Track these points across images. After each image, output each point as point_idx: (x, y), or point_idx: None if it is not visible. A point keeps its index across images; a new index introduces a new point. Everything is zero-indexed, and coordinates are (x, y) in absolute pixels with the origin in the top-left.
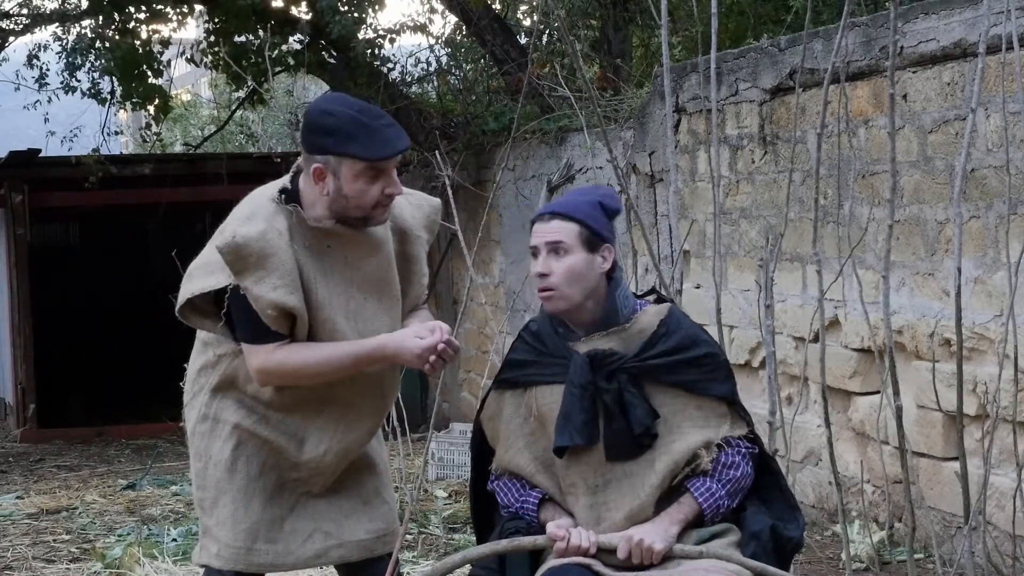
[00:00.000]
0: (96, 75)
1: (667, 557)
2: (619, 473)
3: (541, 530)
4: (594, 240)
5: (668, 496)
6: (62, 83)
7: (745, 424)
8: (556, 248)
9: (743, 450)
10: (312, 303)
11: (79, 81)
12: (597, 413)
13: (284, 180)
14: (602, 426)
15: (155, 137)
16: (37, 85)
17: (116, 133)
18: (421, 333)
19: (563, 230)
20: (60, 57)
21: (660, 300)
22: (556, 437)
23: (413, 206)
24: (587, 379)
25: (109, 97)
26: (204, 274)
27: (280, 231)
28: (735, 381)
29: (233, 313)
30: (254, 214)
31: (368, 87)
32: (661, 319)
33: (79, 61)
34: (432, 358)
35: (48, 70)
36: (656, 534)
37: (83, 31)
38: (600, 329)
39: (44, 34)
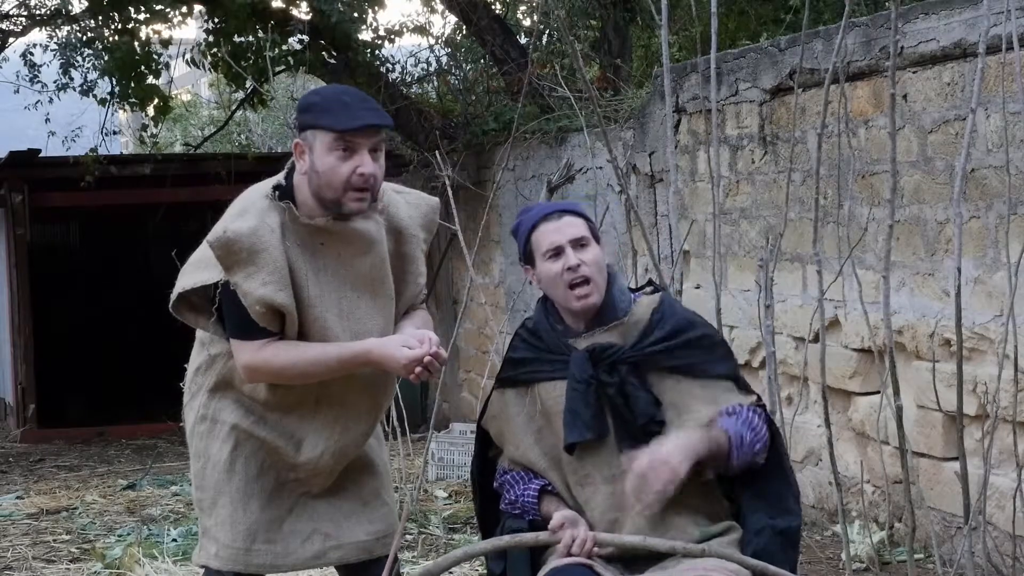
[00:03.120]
0: (90, 73)
1: (668, 555)
2: None
3: (542, 521)
4: (595, 232)
5: (688, 480)
6: (55, 80)
7: (753, 395)
8: (579, 242)
9: (757, 410)
10: (303, 301)
11: (71, 79)
12: (603, 406)
13: (279, 177)
14: (610, 419)
15: (152, 139)
16: (30, 82)
17: (114, 133)
18: (409, 343)
19: (578, 225)
20: (54, 55)
21: (656, 291)
22: (566, 434)
23: (410, 205)
24: (588, 374)
25: (108, 97)
26: (197, 269)
27: (272, 227)
28: (735, 360)
29: (223, 308)
30: (246, 210)
31: (368, 87)
32: (654, 308)
33: (71, 59)
34: (418, 369)
35: (41, 70)
36: (679, 452)
37: (74, 29)
38: (598, 324)
39: (40, 34)
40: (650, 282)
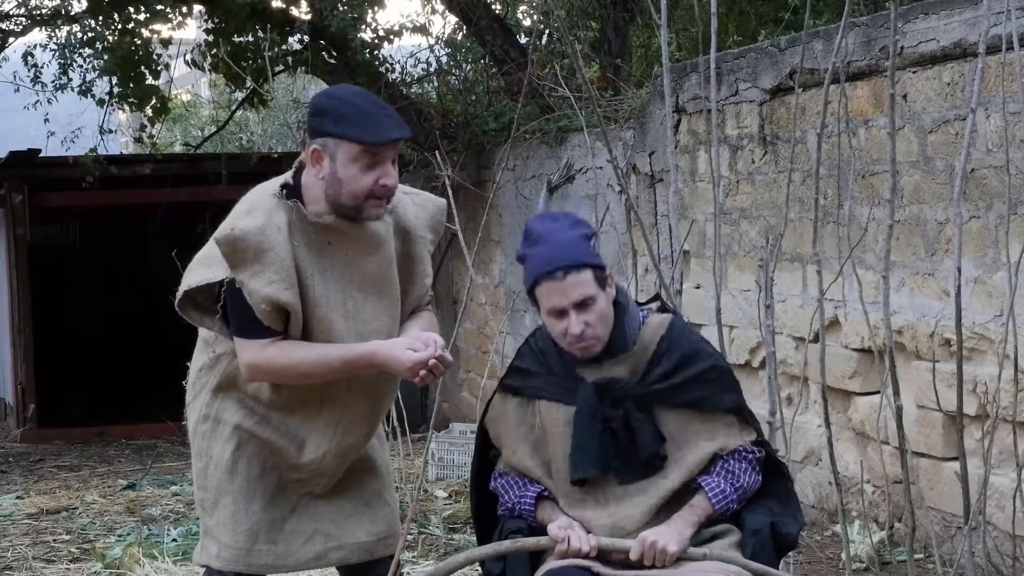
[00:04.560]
0: (89, 73)
1: (678, 559)
2: (632, 491)
3: (539, 527)
4: (602, 277)
5: (679, 495)
6: (53, 81)
7: (753, 430)
8: (584, 303)
9: (750, 456)
10: (309, 300)
11: (70, 79)
12: (608, 440)
13: (287, 176)
14: (614, 452)
15: (150, 140)
16: (31, 83)
17: (111, 131)
18: (414, 345)
19: (582, 282)
20: (53, 55)
21: (663, 307)
22: (572, 470)
23: (417, 206)
24: (594, 408)
25: (107, 97)
26: (202, 267)
27: (279, 226)
28: (740, 388)
29: (228, 306)
30: (254, 208)
31: (368, 87)
32: (662, 335)
33: (70, 59)
34: (422, 372)
35: (42, 70)
36: (670, 536)
37: (73, 30)
38: (608, 356)
39: (40, 34)
40: (657, 296)
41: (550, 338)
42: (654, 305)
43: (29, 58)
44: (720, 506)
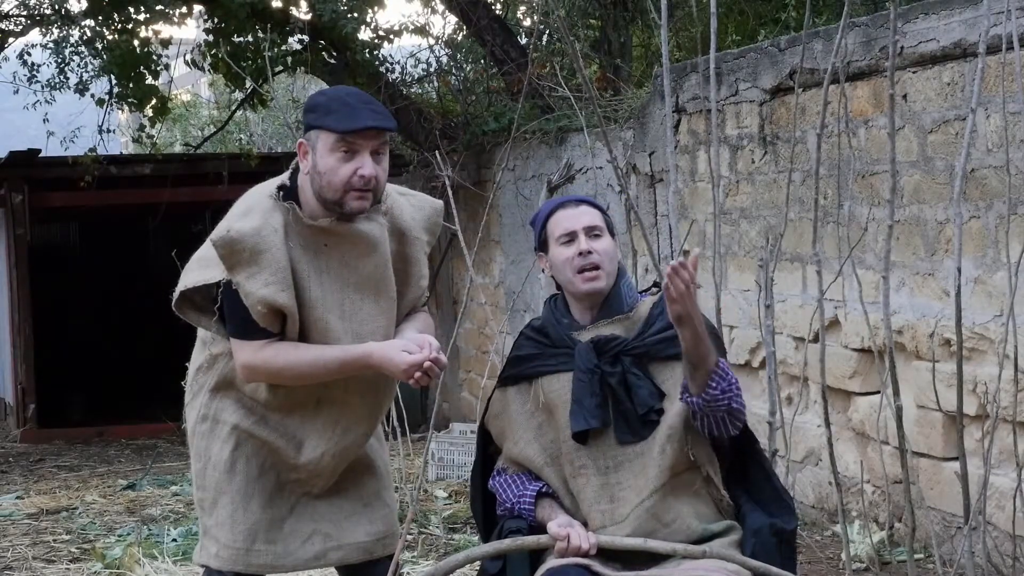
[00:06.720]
0: (86, 73)
1: (669, 557)
2: (630, 454)
3: (538, 526)
4: (611, 227)
5: (680, 473)
6: (50, 79)
7: None
8: (593, 231)
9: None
10: (305, 302)
11: (67, 78)
12: (606, 396)
13: (283, 177)
14: (611, 409)
15: (150, 140)
16: (28, 82)
17: (111, 131)
18: (409, 347)
19: (594, 215)
20: (50, 54)
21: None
22: (571, 423)
23: (414, 207)
24: (592, 363)
25: (107, 97)
26: (200, 268)
27: (275, 228)
28: (724, 352)
29: (224, 307)
30: (251, 210)
31: (368, 87)
32: (655, 302)
33: (68, 59)
34: (417, 374)
35: (38, 69)
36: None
37: (68, 29)
38: (604, 316)
39: (39, 35)
40: (656, 284)
41: (551, 307)
42: (653, 289)
43: (27, 56)
44: (725, 366)
